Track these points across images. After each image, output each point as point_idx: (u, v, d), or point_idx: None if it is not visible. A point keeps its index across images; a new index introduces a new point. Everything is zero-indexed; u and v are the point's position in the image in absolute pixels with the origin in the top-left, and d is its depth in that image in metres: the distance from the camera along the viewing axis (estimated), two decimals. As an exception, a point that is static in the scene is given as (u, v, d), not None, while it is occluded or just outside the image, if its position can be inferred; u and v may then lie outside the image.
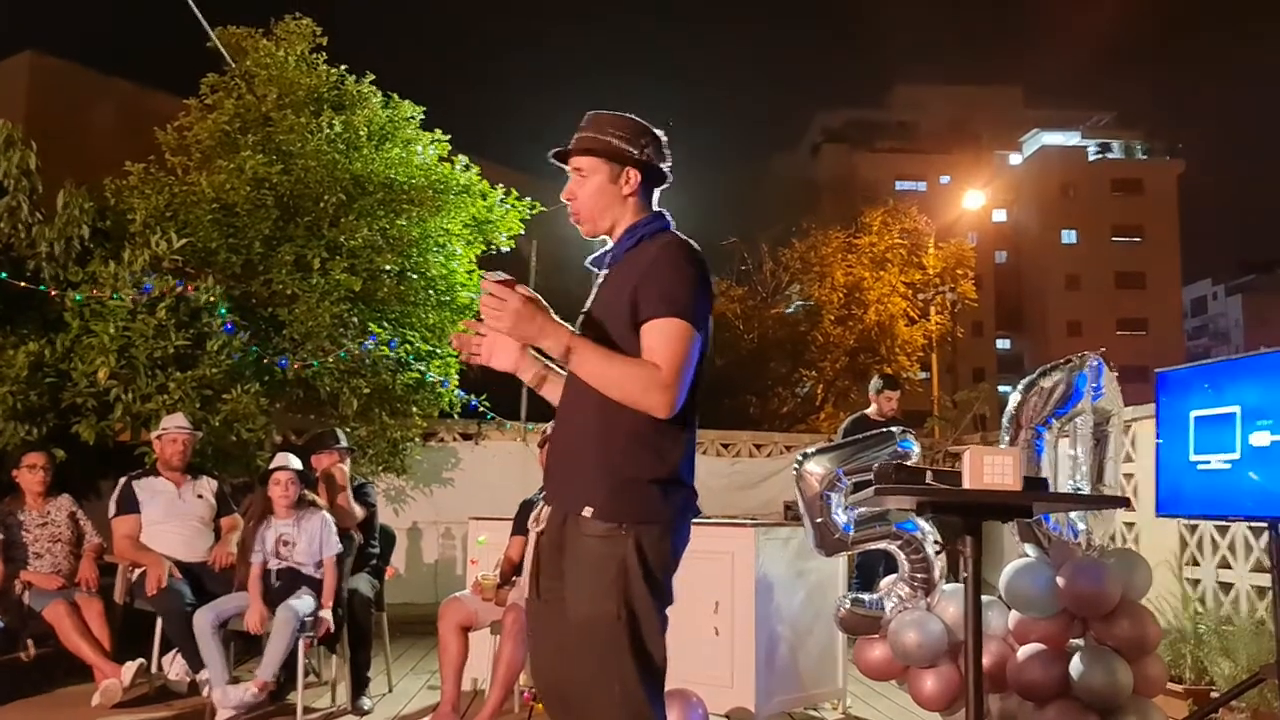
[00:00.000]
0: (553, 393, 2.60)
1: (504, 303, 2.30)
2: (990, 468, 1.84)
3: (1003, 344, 53.43)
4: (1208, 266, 64.13)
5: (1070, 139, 54.60)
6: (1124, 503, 2.53)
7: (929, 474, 2.00)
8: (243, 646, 5.39)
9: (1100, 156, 54.21)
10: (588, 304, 2.53)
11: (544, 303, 2.39)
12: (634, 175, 2.48)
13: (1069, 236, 53.09)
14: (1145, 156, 54.44)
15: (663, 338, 2.29)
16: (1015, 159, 54.88)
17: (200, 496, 5.88)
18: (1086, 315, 51.18)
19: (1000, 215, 51.90)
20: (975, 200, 25.46)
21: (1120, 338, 49.57)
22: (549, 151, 2.56)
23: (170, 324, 6.50)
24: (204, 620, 4.94)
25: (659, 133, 2.55)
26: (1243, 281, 64.69)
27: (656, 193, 2.57)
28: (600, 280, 2.54)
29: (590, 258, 2.60)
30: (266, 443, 7.23)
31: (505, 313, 2.30)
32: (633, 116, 2.54)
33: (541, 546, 2.48)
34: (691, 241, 2.44)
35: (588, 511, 2.32)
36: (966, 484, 1.90)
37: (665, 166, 2.55)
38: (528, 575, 2.57)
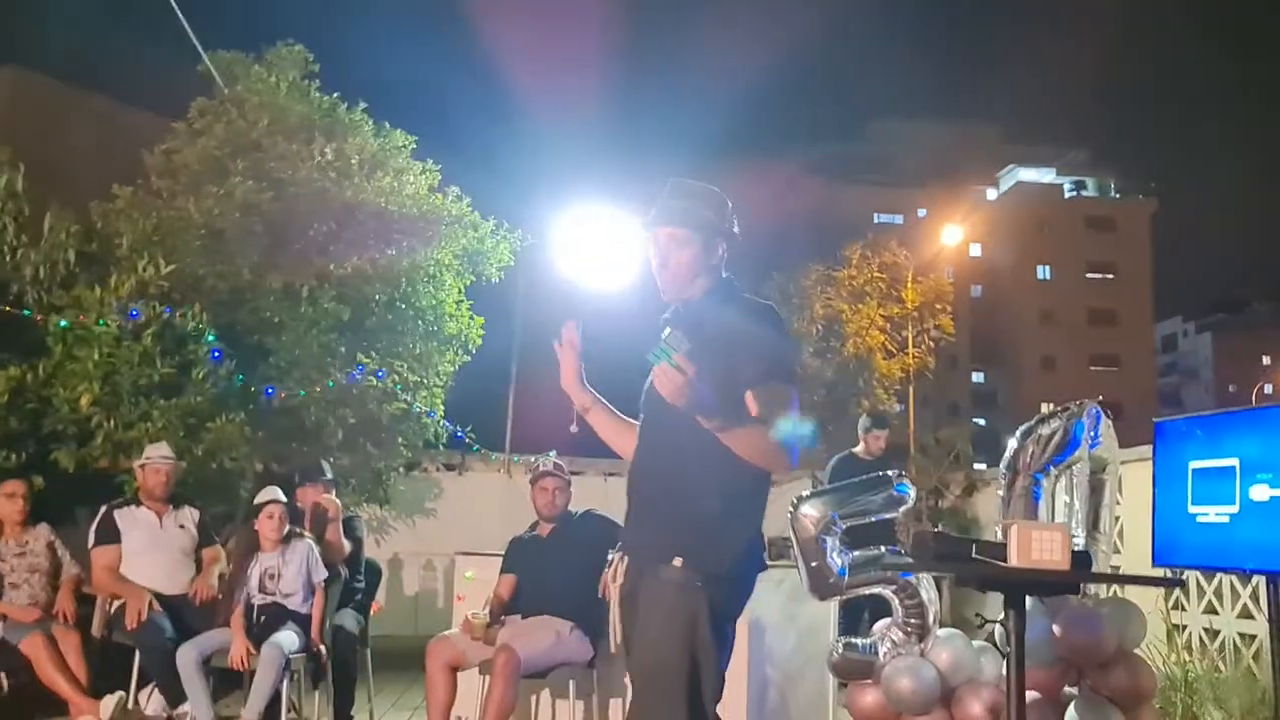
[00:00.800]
0: (597, 422, 2.82)
1: (675, 376, 2.34)
2: (1039, 544, 1.83)
3: (977, 378, 53.78)
4: (1179, 304, 65.02)
5: (1046, 175, 55.31)
6: (1177, 583, 2.53)
7: (973, 546, 1.98)
8: (219, 681, 5.30)
9: (1075, 194, 54.94)
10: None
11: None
12: (724, 247, 2.68)
13: (1044, 272, 53.68)
14: (1119, 195, 55.21)
15: (781, 402, 2.42)
16: (992, 194, 55.49)
17: (182, 527, 5.77)
18: (1060, 351, 51.68)
19: (976, 250, 52.37)
20: (953, 235, 25.67)
21: (1093, 374, 50.07)
22: (645, 220, 2.69)
23: (156, 351, 6.42)
24: (188, 657, 4.85)
25: (729, 202, 2.73)
26: (1212, 320, 65.57)
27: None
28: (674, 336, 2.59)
29: (666, 315, 2.69)
30: (249, 471, 7.14)
31: (678, 383, 2.34)
32: (716, 189, 2.71)
33: (622, 599, 2.60)
34: (771, 306, 2.62)
35: (678, 561, 2.43)
36: (1014, 560, 1.89)
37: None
38: (613, 629, 2.68)
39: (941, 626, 4.68)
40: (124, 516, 5.62)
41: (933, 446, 11.40)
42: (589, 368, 2.90)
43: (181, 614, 5.44)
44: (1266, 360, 58.13)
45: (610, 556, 4.77)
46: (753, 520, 2.53)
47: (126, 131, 9.69)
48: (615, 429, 2.83)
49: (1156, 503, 4.00)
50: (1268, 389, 49.09)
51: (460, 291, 8.40)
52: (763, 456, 2.43)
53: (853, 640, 4.74)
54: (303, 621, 5.14)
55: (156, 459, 5.72)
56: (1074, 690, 4.21)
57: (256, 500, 5.32)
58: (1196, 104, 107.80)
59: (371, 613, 6.15)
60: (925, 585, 4.60)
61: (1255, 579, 5.40)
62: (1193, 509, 3.85)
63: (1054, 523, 2.04)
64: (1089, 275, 53.12)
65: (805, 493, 4.75)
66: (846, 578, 4.55)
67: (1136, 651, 4.40)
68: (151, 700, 5.28)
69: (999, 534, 4.63)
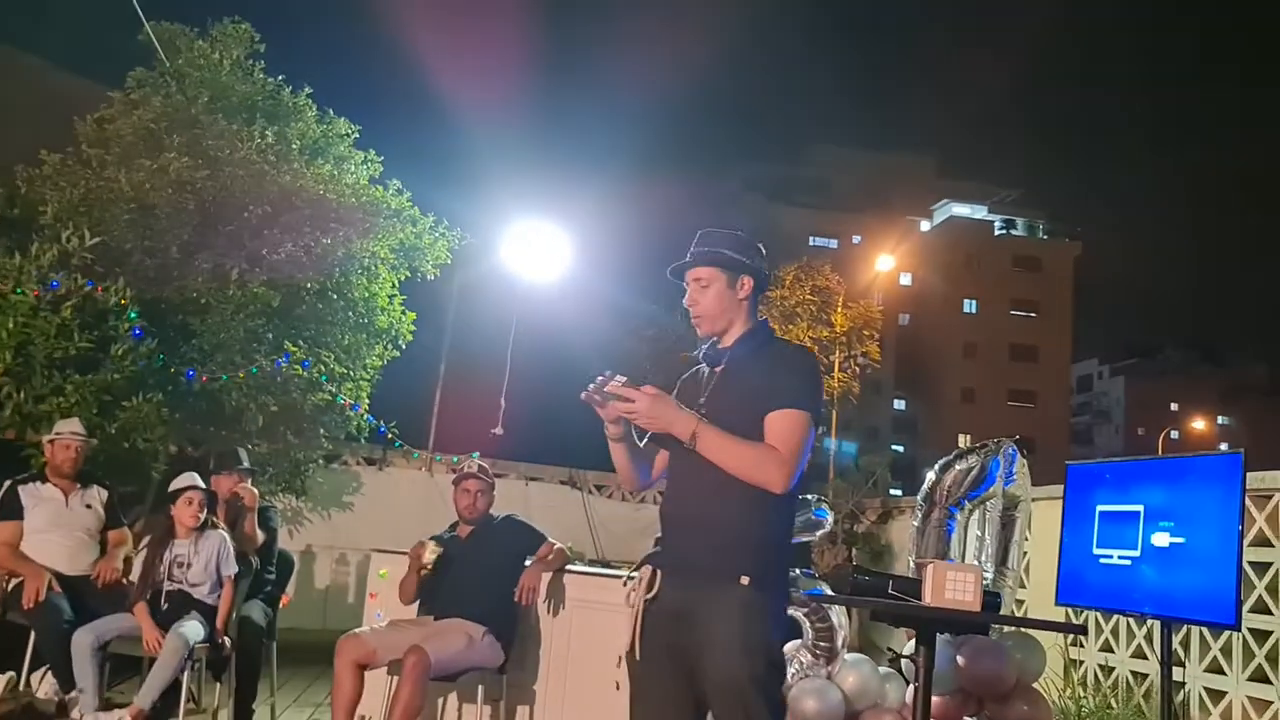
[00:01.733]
0: (620, 455, 2.88)
1: (634, 403, 2.64)
2: (952, 585, 1.88)
3: (899, 405, 54.71)
4: (1096, 347, 66.92)
5: (978, 212, 56.55)
6: (1081, 630, 2.61)
7: (890, 582, 2.03)
8: (116, 667, 5.16)
9: (1005, 232, 56.25)
10: (704, 392, 2.85)
11: (668, 396, 2.73)
12: (748, 282, 2.87)
13: (970, 306, 54.81)
14: (1046, 236, 56.69)
15: (784, 424, 2.64)
16: (925, 226, 56.55)
17: (89, 507, 5.62)
18: (980, 383, 52.81)
19: (907, 279, 53.31)
20: (886, 264, 26.14)
21: (1010, 408, 51.25)
22: (669, 268, 2.93)
23: (74, 324, 6.23)
24: (84, 641, 4.72)
25: (760, 245, 2.94)
26: (1126, 364, 67.57)
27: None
28: (715, 375, 2.87)
29: (701, 351, 2.92)
30: (161, 454, 6.97)
31: (639, 410, 2.65)
32: (741, 232, 2.93)
33: (652, 613, 2.72)
34: (806, 347, 2.79)
35: (745, 580, 2.59)
36: (928, 599, 1.94)
37: (769, 277, 2.96)
38: (635, 638, 2.77)
39: (850, 651, 4.77)
40: (28, 492, 5.45)
41: (852, 471, 11.56)
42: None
43: (82, 596, 5.29)
44: (1175, 407, 60.08)
45: (633, 572, 4.74)
46: (789, 538, 2.77)
47: (58, 96, 9.41)
48: (630, 455, 2.93)
49: (1064, 543, 4.12)
50: (1174, 435, 50.80)
51: (394, 286, 8.30)
52: (746, 469, 2.61)
53: (762, 660, 4.79)
54: (208, 612, 5.05)
55: (67, 435, 5.56)
56: (973, 720, 4.32)
57: (175, 485, 5.19)
58: (1124, 156, 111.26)
59: (280, 605, 6.05)
60: (836, 610, 4.69)
61: (1151, 622, 5.58)
62: (1097, 550, 3.98)
63: (968, 563, 2.11)
64: (1013, 312, 54.39)
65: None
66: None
67: (1035, 685, 4.53)
68: (44, 683, 5.12)
69: (911, 565, 4.75)
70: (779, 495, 2.63)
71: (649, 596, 2.73)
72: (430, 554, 4.72)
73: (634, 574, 2.84)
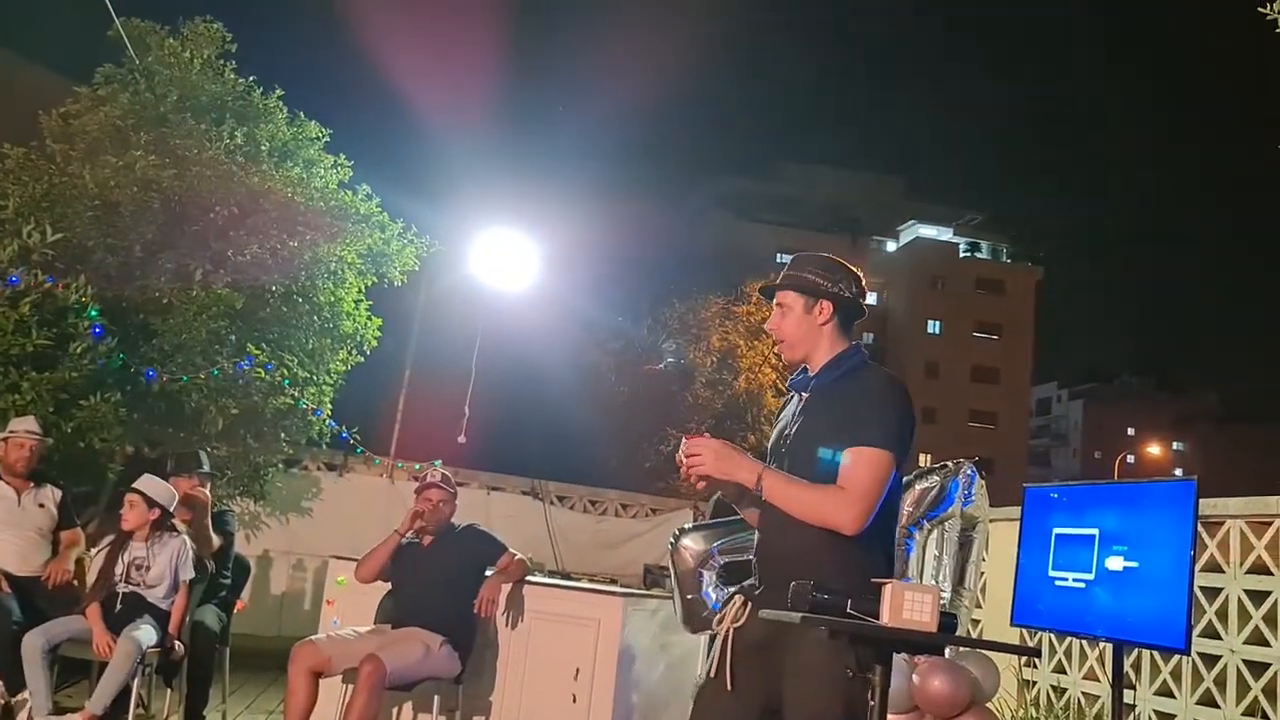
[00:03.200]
0: (749, 514, 2.87)
1: (700, 455, 2.60)
2: (910, 605, 1.90)
3: (861, 422, 54.99)
4: (1055, 370, 67.79)
5: (943, 234, 57.13)
6: (1035, 653, 2.63)
7: (848, 601, 2.05)
8: (66, 670, 5.09)
9: (969, 255, 56.88)
10: (792, 425, 2.81)
11: (731, 445, 2.66)
12: (826, 306, 2.78)
13: (933, 326, 55.31)
14: (1010, 260, 57.37)
15: (858, 462, 2.56)
16: (891, 246, 57.06)
17: (42, 506, 5.54)
18: (942, 404, 53.23)
19: (872, 298, 53.72)
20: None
21: (970, 429, 51.74)
22: (759, 287, 2.92)
23: (33, 321, 6.15)
24: (34, 643, 4.64)
25: (858, 271, 2.86)
26: (1085, 388, 68.52)
27: (854, 325, 2.87)
28: (801, 401, 2.82)
29: (791, 381, 2.89)
30: (118, 454, 6.89)
31: (706, 461, 2.59)
32: (831, 256, 2.87)
33: (738, 640, 2.69)
34: (896, 375, 2.76)
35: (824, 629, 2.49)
36: (885, 619, 1.96)
37: (861, 301, 2.84)
38: (715, 661, 2.73)
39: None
40: (-21, 490, 5.37)
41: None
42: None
43: (32, 597, 5.22)
44: (1131, 431, 60.98)
45: (729, 595, 4.69)
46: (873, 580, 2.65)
47: (23, 89, 9.30)
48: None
49: (1019, 564, 4.16)
50: (1130, 459, 51.53)
51: (361, 291, 8.25)
52: (813, 514, 2.56)
53: (720, 675, 4.80)
54: (161, 616, 4.99)
55: (21, 433, 5.49)
56: (927, 739, 4.34)
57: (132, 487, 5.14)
58: (1087, 184, 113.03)
59: (235, 610, 5.99)
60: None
61: (1103, 644, 5.65)
62: (1053, 573, 4.02)
63: (926, 584, 2.15)
64: (975, 334, 54.97)
65: (687, 525, 4.81)
66: (720, 612, 4.62)
67: (989, 705, 4.57)
68: (-10, 686, 5.03)
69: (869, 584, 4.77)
70: (873, 539, 2.57)
71: (738, 625, 2.70)
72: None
73: (730, 600, 2.82)
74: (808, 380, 2.82)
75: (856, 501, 2.53)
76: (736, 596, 2.77)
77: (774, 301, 2.86)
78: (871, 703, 1.90)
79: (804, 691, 2.54)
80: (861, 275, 2.90)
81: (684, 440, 2.67)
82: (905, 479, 4.71)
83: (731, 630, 2.71)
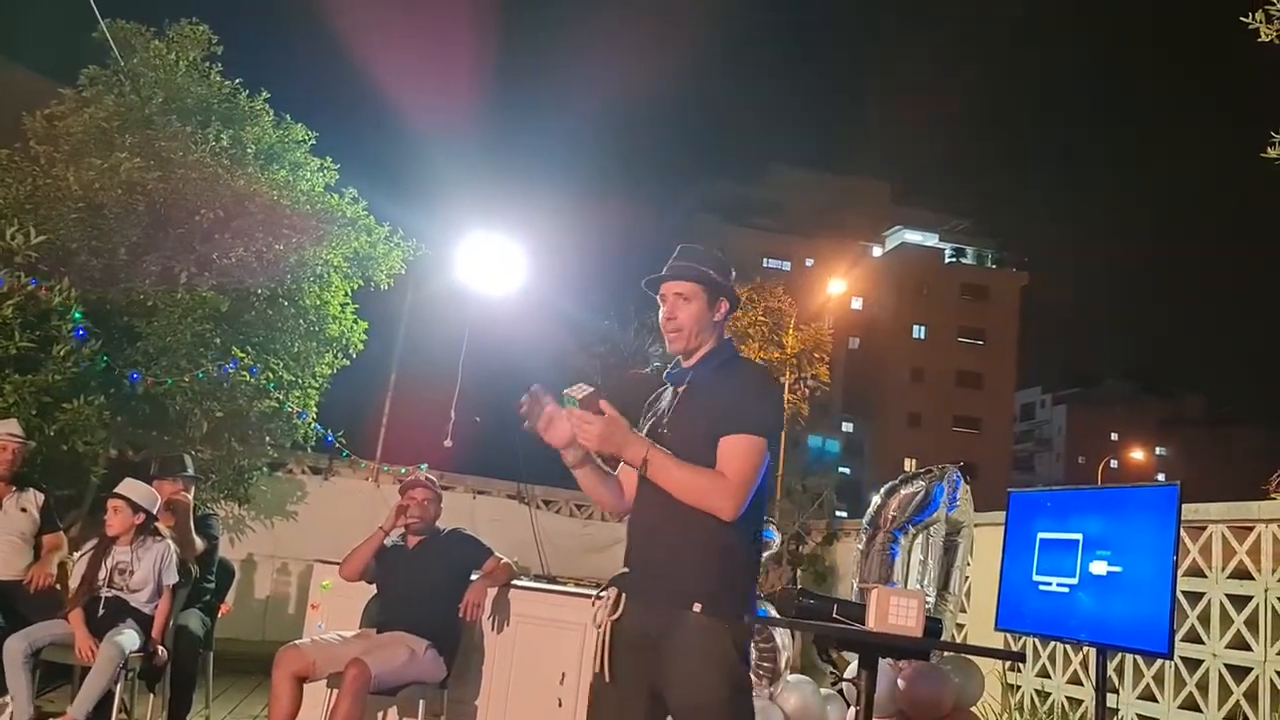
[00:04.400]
0: (587, 480, 2.87)
1: (590, 423, 2.60)
2: (896, 610, 1.91)
3: (846, 427, 55.16)
4: (1039, 375, 68.06)
5: (929, 239, 57.35)
6: (1019, 657, 2.65)
7: (835, 606, 2.06)
8: (47, 674, 5.05)
9: (955, 260, 57.11)
10: (666, 414, 2.87)
11: (623, 420, 2.67)
12: (725, 305, 2.89)
13: (919, 332, 55.50)
14: (994, 266, 57.61)
15: (735, 451, 2.64)
16: (877, 251, 57.22)
17: (24, 510, 5.50)
18: (926, 408, 53.43)
19: (857, 303, 53.88)
20: (838, 288, 26.36)
21: (955, 434, 51.92)
22: (647, 278, 2.91)
23: (15, 323, 6.10)
24: (16, 648, 4.61)
25: (732, 269, 2.96)
26: (1068, 393, 68.81)
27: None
28: (676, 395, 2.88)
29: (667, 373, 2.95)
30: (101, 458, 6.84)
31: (594, 430, 2.60)
32: (720, 254, 2.93)
33: (617, 633, 2.72)
34: (765, 368, 2.76)
35: (696, 608, 2.60)
36: (871, 624, 1.97)
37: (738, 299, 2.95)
38: (596, 655, 2.78)
39: (792, 673, 4.80)
40: (-40, 494, 5.33)
41: (798, 492, 11.65)
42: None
43: (13, 601, 5.19)
44: (1115, 436, 61.26)
45: (476, 578, 4.76)
46: (750, 566, 2.73)
47: (7, 90, 9.24)
48: (600, 479, 2.91)
49: (1004, 569, 4.18)
50: (1114, 464, 51.77)
51: (347, 294, 8.23)
52: (695, 496, 2.62)
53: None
54: (144, 620, 4.96)
55: (4, 436, 5.46)
56: (911, 743, 4.36)
57: (114, 492, 5.11)
58: (1071, 189, 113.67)
59: (219, 614, 5.96)
60: (779, 631, 4.72)
61: (1086, 649, 5.68)
62: (1037, 577, 4.04)
63: (911, 589, 2.16)
64: (960, 339, 55.16)
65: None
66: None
67: (973, 709, 4.60)
68: (-29, 690, 4.99)
69: (855, 588, 4.80)
70: (744, 528, 2.65)
71: (614, 618, 2.74)
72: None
73: (602, 594, 2.83)
74: (685, 373, 2.88)
75: (737, 488, 2.61)
76: (612, 589, 2.80)
77: (671, 291, 2.87)
78: (856, 707, 1.90)
79: (690, 674, 2.60)
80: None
81: (577, 402, 2.63)
82: (890, 483, 4.74)
83: (609, 623, 2.74)
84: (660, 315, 2.89)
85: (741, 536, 2.68)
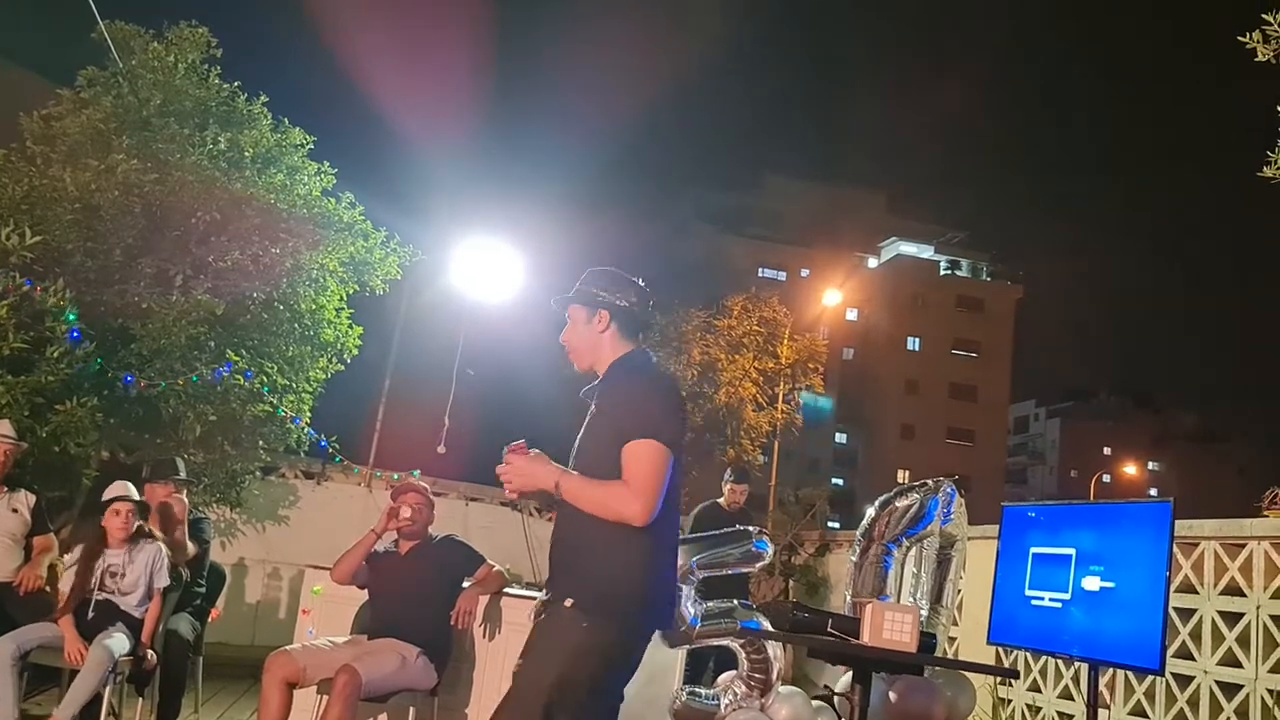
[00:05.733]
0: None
1: (508, 473, 2.83)
2: (890, 625, 1.91)
3: (840, 438, 55.21)
4: (1033, 389, 68.18)
5: (924, 251, 57.49)
6: (1013, 674, 2.65)
7: (829, 620, 2.06)
8: (35, 677, 5.02)
9: (950, 272, 57.23)
10: (581, 432, 2.99)
11: (538, 458, 2.86)
12: (604, 316, 2.97)
13: (913, 343, 55.60)
14: (989, 279, 57.75)
15: (633, 457, 2.73)
16: (872, 262, 57.35)
17: (15, 511, 5.48)
18: (920, 420, 53.50)
19: (852, 314, 53.96)
20: (833, 299, 26.38)
21: (949, 446, 52.00)
22: (554, 300, 3.09)
23: (9, 324, 6.08)
24: (4, 650, 4.58)
25: (639, 282, 3.03)
26: (1062, 407, 68.95)
27: (640, 335, 3.06)
28: (590, 411, 2.99)
29: (583, 391, 3.04)
30: (93, 460, 6.81)
31: (513, 479, 2.83)
32: (615, 270, 3.03)
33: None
34: (662, 372, 2.98)
35: (568, 602, 2.75)
36: (865, 638, 1.96)
37: (640, 310, 3.01)
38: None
39: (784, 684, 4.79)
40: (-49, 495, 5.31)
41: (792, 503, 11.63)
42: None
43: (3, 603, 5.16)
44: (1108, 450, 61.35)
45: (468, 585, 4.77)
46: (638, 567, 2.78)
47: (4, 90, 9.23)
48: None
49: (997, 583, 4.19)
50: (1106, 479, 51.85)
51: (342, 299, 8.20)
52: (603, 509, 2.73)
53: (696, 690, 4.80)
54: (134, 624, 4.94)
55: (-4, 436, 5.43)
56: (902, 756, 4.35)
57: (107, 495, 5.08)
58: (1068, 204, 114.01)
59: (210, 619, 5.94)
60: (771, 642, 4.71)
61: (1078, 664, 5.68)
62: (1029, 592, 4.04)
63: (905, 604, 2.16)
64: (954, 351, 55.26)
65: (667, 540, 4.80)
66: (698, 627, 4.62)
67: (963, 723, 4.59)
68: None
69: (848, 600, 4.80)
70: (636, 534, 2.72)
71: (537, 619, 2.90)
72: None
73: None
74: (593, 390, 3.01)
75: (640, 494, 2.70)
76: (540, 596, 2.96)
77: (567, 314, 3.05)
78: (849, 721, 1.90)
79: (532, 647, 2.80)
80: (646, 287, 3.07)
81: (505, 455, 2.86)
82: (884, 496, 4.74)
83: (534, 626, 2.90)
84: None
85: (642, 540, 2.75)
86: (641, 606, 2.79)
